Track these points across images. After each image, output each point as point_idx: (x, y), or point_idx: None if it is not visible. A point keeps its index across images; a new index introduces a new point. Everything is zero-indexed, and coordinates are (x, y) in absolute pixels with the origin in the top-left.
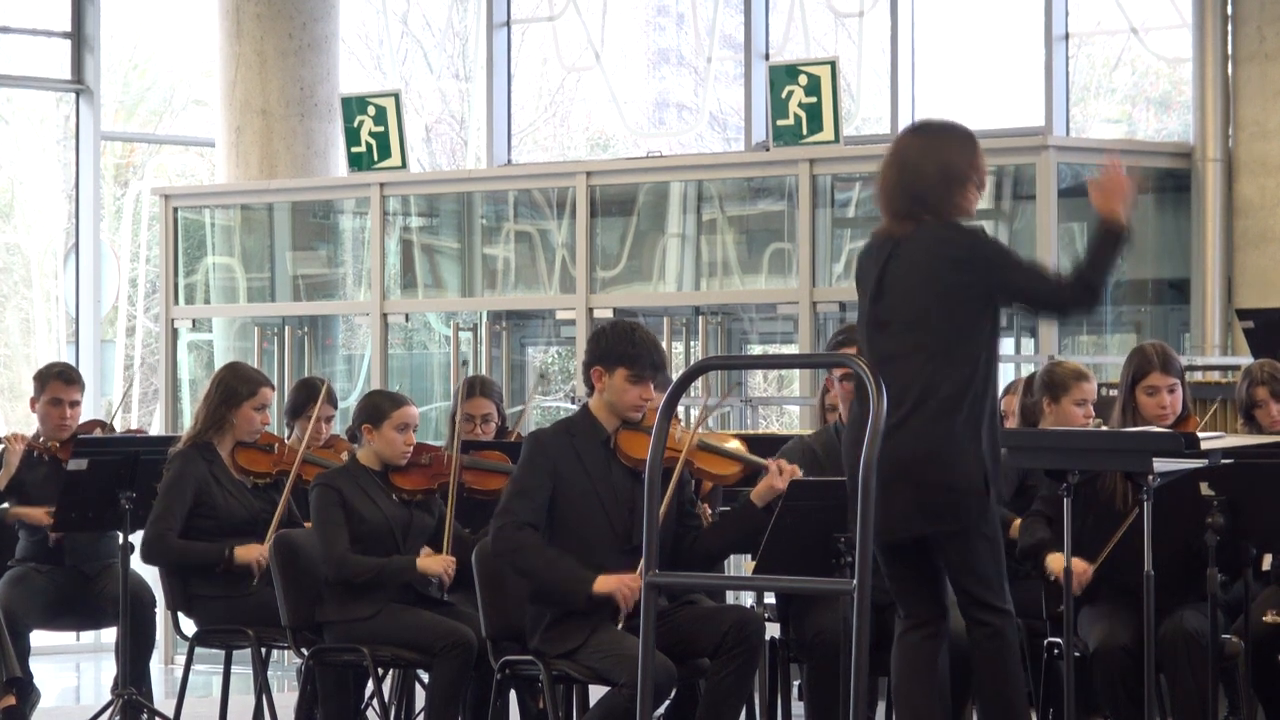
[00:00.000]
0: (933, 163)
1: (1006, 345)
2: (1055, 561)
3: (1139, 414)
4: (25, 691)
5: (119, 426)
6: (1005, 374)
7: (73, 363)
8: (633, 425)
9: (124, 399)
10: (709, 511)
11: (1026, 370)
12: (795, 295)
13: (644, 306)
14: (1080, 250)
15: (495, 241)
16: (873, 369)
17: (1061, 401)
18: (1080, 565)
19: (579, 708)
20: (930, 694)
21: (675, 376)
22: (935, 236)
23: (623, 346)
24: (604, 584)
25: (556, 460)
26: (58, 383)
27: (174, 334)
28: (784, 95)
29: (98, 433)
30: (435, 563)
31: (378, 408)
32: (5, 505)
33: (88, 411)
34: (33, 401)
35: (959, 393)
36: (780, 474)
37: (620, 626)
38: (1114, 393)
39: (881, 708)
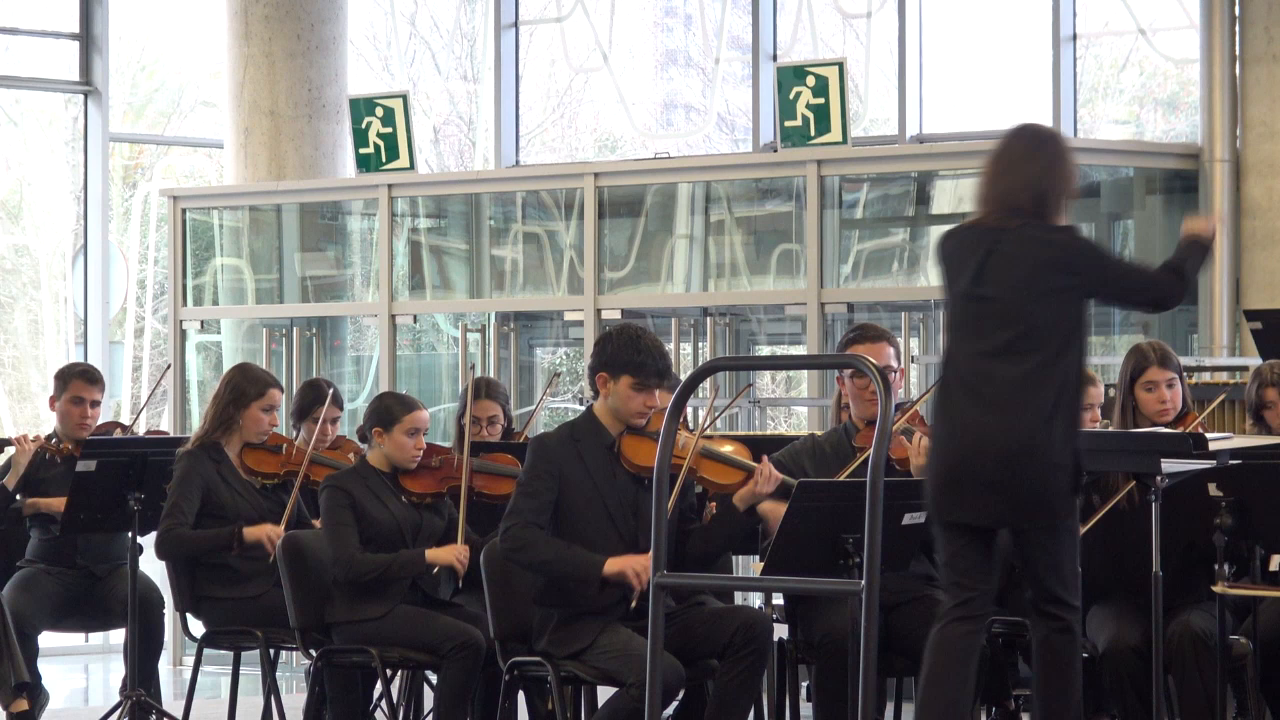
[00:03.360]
0: (1059, 173)
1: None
2: None
3: (1139, 411)
4: (34, 694)
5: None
6: None
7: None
8: (636, 430)
9: (150, 397)
10: (715, 509)
11: None
12: (803, 296)
13: (652, 307)
14: None
15: (503, 243)
16: (882, 370)
17: None
18: None
19: (587, 708)
20: (967, 690)
21: (683, 377)
22: (1037, 237)
23: (628, 354)
24: (614, 565)
25: (561, 464)
26: (80, 382)
27: (182, 335)
28: (792, 96)
29: (118, 434)
30: (445, 552)
31: (389, 411)
32: (19, 497)
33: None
34: (52, 400)
35: (1058, 391)
36: (764, 478)
37: (634, 605)
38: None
39: (890, 708)
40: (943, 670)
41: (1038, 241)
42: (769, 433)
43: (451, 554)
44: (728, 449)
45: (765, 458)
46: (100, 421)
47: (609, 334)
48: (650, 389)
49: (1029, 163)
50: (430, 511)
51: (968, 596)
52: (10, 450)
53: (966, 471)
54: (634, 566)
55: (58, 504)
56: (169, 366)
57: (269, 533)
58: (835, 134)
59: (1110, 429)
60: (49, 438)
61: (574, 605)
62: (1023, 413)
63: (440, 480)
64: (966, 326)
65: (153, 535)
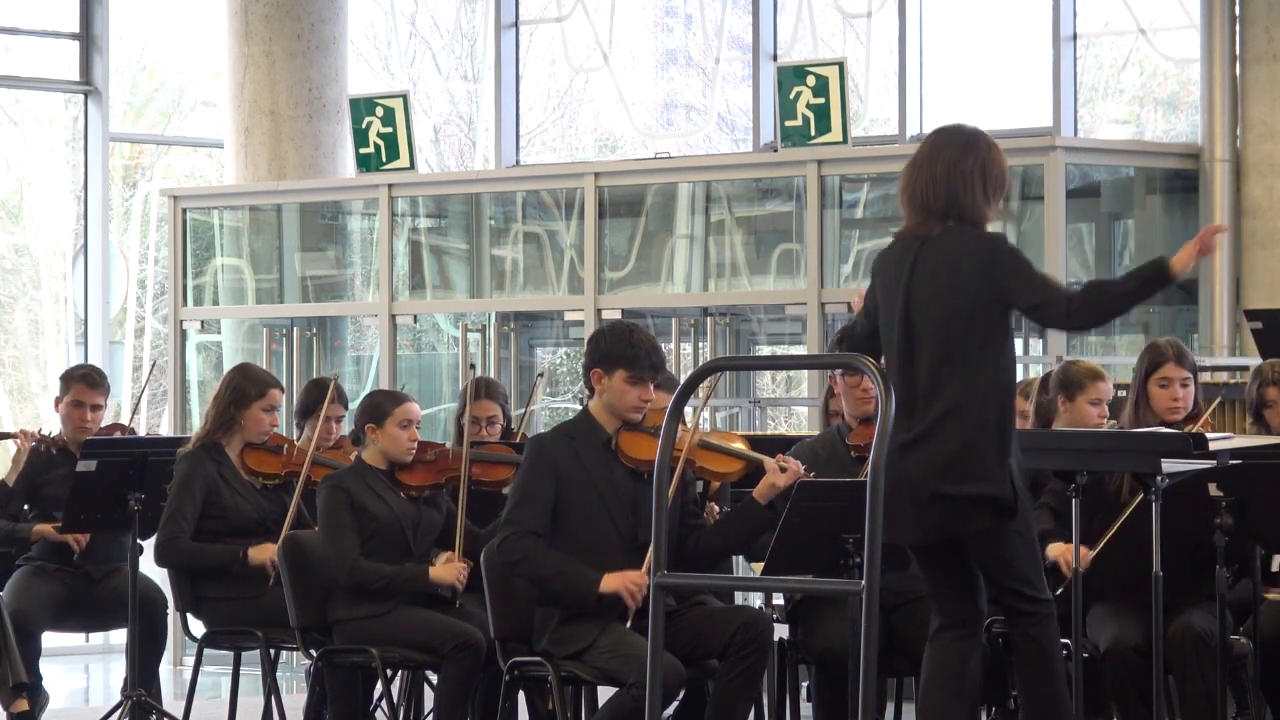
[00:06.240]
0: (967, 166)
1: (1015, 346)
2: (1054, 549)
3: (1150, 407)
4: (34, 694)
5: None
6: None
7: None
8: (633, 426)
9: (138, 400)
10: (716, 510)
11: (1034, 371)
12: (803, 296)
13: (652, 307)
14: (1089, 252)
15: (503, 243)
16: (882, 371)
17: (1077, 400)
18: (1083, 551)
19: (588, 709)
20: (956, 695)
21: (683, 378)
22: (959, 244)
23: (621, 348)
24: (609, 583)
25: (558, 463)
26: (81, 386)
27: (182, 335)
28: (792, 96)
29: (119, 436)
30: (448, 571)
31: (379, 406)
32: (25, 524)
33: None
34: (57, 401)
35: (984, 404)
36: (781, 471)
37: (630, 624)
38: (1125, 393)
39: (890, 709)
40: (933, 680)
41: (961, 249)
42: (769, 433)
43: (453, 573)
44: (733, 444)
45: (780, 456)
46: (104, 424)
47: (601, 331)
48: (645, 381)
49: (956, 160)
50: (429, 506)
51: (945, 606)
52: (11, 446)
53: (896, 493)
54: (629, 586)
55: (62, 538)
56: (154, 364)
57: (272, 555)
58: (835, 134)
59: (1118, 426)
60: (57, 436)
61: (576, 607)
62: (950, 428)
63: (437, 472)
64: (901, 338)
65: (152, 538)
